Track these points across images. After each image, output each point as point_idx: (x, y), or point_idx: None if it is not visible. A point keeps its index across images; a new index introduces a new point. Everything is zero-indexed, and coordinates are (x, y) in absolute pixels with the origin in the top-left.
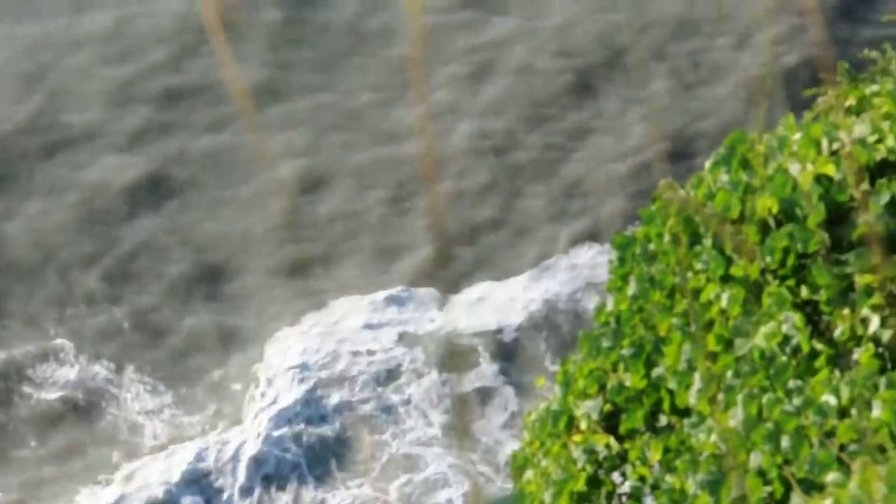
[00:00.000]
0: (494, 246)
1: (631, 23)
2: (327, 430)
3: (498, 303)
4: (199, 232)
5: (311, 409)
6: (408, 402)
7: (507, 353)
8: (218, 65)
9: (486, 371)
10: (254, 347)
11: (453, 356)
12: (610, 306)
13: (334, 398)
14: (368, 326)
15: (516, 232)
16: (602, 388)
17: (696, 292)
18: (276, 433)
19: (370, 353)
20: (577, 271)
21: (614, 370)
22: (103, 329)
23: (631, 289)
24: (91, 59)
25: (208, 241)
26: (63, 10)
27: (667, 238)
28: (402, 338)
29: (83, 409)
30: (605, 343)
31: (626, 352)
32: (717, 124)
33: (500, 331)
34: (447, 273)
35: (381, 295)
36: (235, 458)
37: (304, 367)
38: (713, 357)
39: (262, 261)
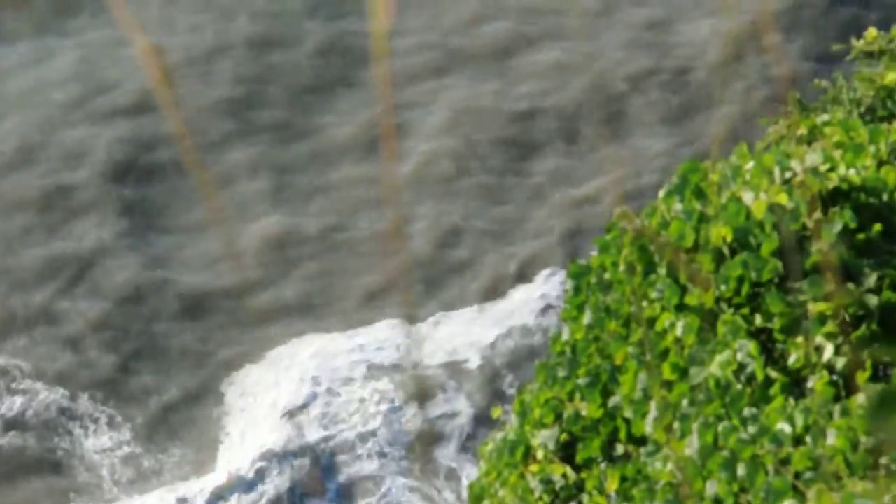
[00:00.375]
0: (453, 276)
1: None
2: (301, 464)
3: (461, 332)
4: (164, 262)
5: (283, 444)
6: (374, 433)
7: (471, 381)
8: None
9: (450, 399)
10: (217, 385)
11: (419, 386)
12: (565, 335)
13: (304, 435)
14: (335, 360)
15: (474, 261)
16: (558, 417)
17: (652, 321)
18: (249, 474)
19: (337, 386)
20: (542, 299)
21: (570, 399)
22: (61, 359)
23: (586, 318)
24: (50, 107)
25: (175, 271)
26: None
27: (622, 267)
28: (369, 370)
29: (33, 445)
30: (561, 372)
31: (582, 381)
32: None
33: (464, 360)
34: (409, 304)
35: (347, 330)
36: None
37: (272, 404)
38: (669, 386)
39: (226, 294)
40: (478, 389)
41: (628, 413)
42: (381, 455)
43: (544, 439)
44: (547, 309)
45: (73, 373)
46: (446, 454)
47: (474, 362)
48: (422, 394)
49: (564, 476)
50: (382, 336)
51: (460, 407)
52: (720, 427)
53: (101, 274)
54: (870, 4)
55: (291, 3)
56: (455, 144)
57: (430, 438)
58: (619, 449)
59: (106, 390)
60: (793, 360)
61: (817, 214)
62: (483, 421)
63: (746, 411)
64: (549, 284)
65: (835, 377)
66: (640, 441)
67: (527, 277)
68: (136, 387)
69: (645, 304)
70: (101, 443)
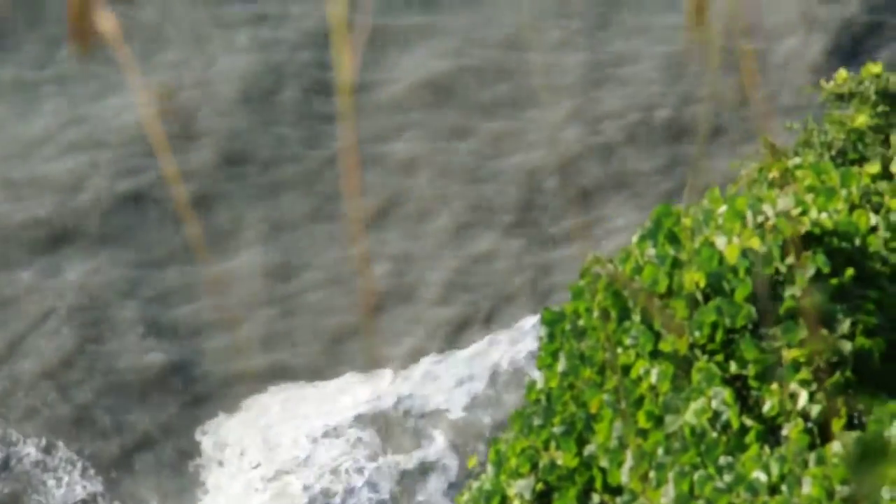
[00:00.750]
0: (439, 322)
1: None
2: None
3: (445, 378)
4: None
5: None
6: (362, 485)
7: (456, 428)
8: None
9: (436, 446)
10: (188, 435)
11: (404, 434)
12: (540, 384)
13: (290, 486)
14: (317, 409)
15: (461, 303)
16: (534, 466)
17: (626, 368)
18: None
19: (317, 438)
20: (524, 343)
21: (546, 448)
22: (32, 408)
23: (561, 365)
24: (44, 153)
25: (148, 317)
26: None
27: (596, 313)
28: (354, 419)
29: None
30: (537, 421)
31: (557, 430)
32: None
33: (447, 410)
34: (392, 351)
35: (328, 378)
36: None
37: (249, 459)
38: (644, 434)
39: (199, 340)
40: (460, 438)
41: (604, 462)
42: (370, 496)
43: (520, 489)
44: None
45: (35, 414)
46: (434, 499)
47: (456, 410)
48: (403, 444)
49: None
50: (360, 384)
51: (443, 455)
52: (696, 476)
53: (65, 312)
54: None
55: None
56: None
57: (412, 489)
58: (595, 498)
59: (72, 435)
60: (767, 407)
61: (790, 259)
62: (467, 470)
63: (722, 459)
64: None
65: (810, 424)
66: (616, 490)
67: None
68: (103, 431)
69: (619, 350)
70: (75, 494)
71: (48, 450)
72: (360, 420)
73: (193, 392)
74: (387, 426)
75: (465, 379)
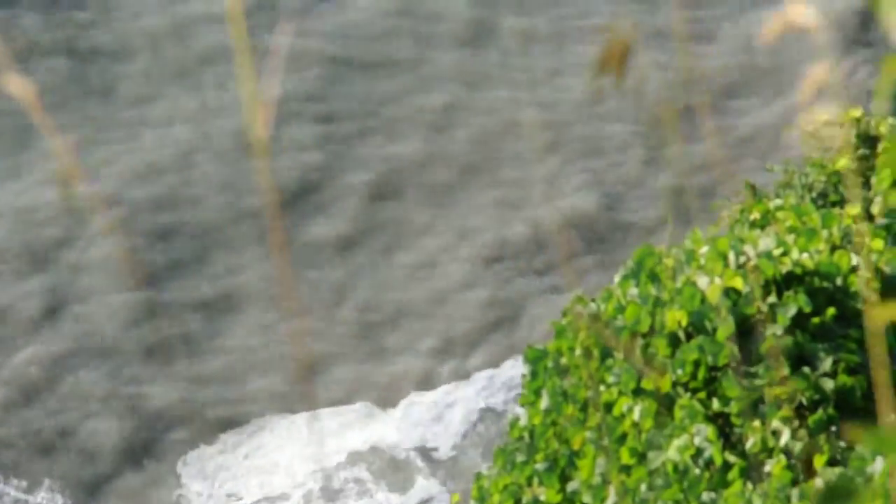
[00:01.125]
0: (428, 354)
1: None
2: None
3: (435, 414)
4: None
5: None
6: None
7: (446, 465)
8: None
9: (427, 484)
10: (168, 465)
11: (394, 471)
12: (523, 420)
13: None
14: (303, 444)
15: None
16: (517, 502)
17: (609, 405)
18: None
19: (305, 474)
20: (512, 380)
21: (529, 485)
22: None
23: (544, 402)
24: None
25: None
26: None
27: (578, 351)
28: (343, 456)
29: None
30: (520, 457)
31: (540, 466)
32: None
33: (435, 448)
34: (380, 384)
35: (314, 411)
36: None
37: (233, 495)
38: (627, 470)
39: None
40: (456, 470)
41: (587, 498)
42: None
43: None
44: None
45: (9, 442)
46: None
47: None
48: (393, 480)
49: None
50: (356, 419)
51: (435, 493)
52: None
53: (41, 345)
54: None
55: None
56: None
57: None
58: None
59: (47, 462)
60: (750, 444)
61: (772, 299)
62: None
63: (705, 496)
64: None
65: (792, 461)
66: None
67: None
68: (82, 458)
69: (602, 388)
70: None
71: (21, 478)
72: (347, 455)
73: (175, 420)
74: (377, 462)
75: (457, 413)
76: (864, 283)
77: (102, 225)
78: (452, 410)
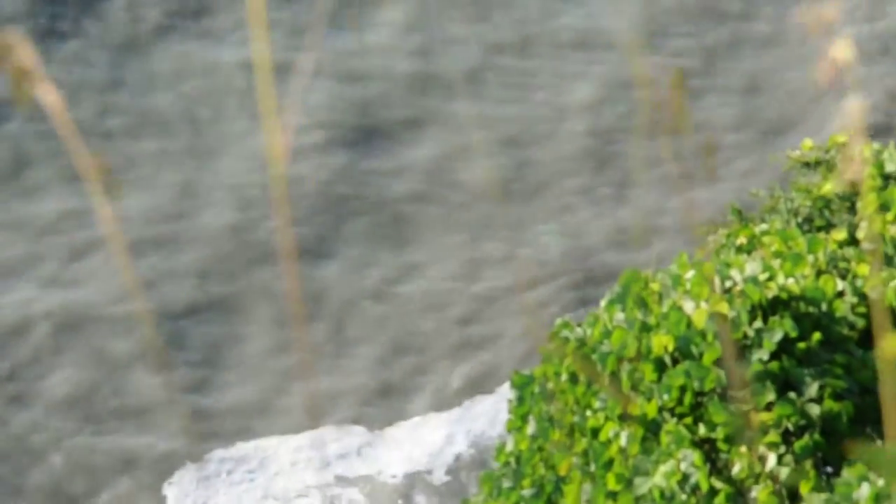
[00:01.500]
0: (421, 379)
1: None
2: None
3: (428, 440)
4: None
5: None
6: None
7: (440, 491)
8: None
9: None
10: (152, 487)
11: (388, 495)
12: (510, 446)
13: None
14: (294, 469)
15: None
16: None
17: (595, 431)
18: None
19: (298, 496)
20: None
21: None
22: None
23: (530, 428)
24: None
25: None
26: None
27: (565, 377)
28: (334, 480)
29: None
30: (506, 483)
31: (526, 492)
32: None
33: (429, 471)
34: (375, 409)
35: (306, 434)
36: None
37: None
38: (614, 496)
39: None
40: (451, 498)
41: None
42: None
43: None
44: None
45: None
46: None
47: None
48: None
49: None
50: (348, 442)
51: None
52: None
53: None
54: None
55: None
56: None
57: None
58: None
59: (29, 483)
60: (737, 469)
61: (758, 324)
62: None
63: None
64: None
65: (779, 487)
66: None
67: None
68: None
69: (588, 413)
70: None
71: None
72: (335, 478)
73: (160, 439)
74: (369, 486)
75: (451, 439)
76: (849, 309)
77: None
78: (449, 434)
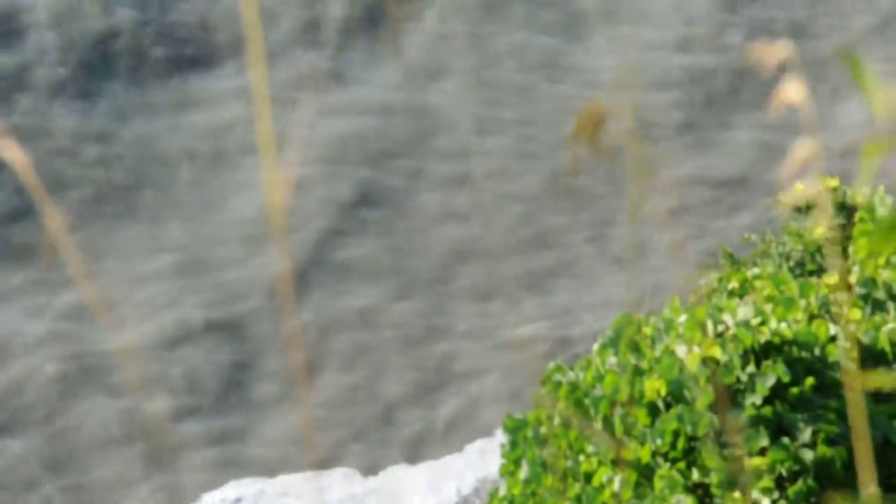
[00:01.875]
0: (413, 423)
1: None
2: None
3: (420, 486)
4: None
5: None
6: None
7: None
8: None
9: None
10: None
11: None
12: (503, 491)
13: None
14: None
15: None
16: None
17: (589, 476)
18: None
19: None
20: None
21: None
22: None
23: (523, 473)
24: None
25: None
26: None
27: (557, 421)
28: None
29: None
30: None
31: None
32: None
33: None
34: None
35: (291, 476)
36: None
37: None
38: None
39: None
40: None
41: None
42: None
43: None
44: None
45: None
46: None
47: None
48: None
49: None
50: (338, 486)
51: None
52: None
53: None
54: None
55: None
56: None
57: None
58: None
59: None
60: None
61: (750, 368)
62: None
63: None
64: None
65: None
66: None
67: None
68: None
69: (581, 458)
70: None
71: None
72: None
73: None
74: None
75: (443, 487)
76: (843, 353)
77: None
78: (446, 479)
